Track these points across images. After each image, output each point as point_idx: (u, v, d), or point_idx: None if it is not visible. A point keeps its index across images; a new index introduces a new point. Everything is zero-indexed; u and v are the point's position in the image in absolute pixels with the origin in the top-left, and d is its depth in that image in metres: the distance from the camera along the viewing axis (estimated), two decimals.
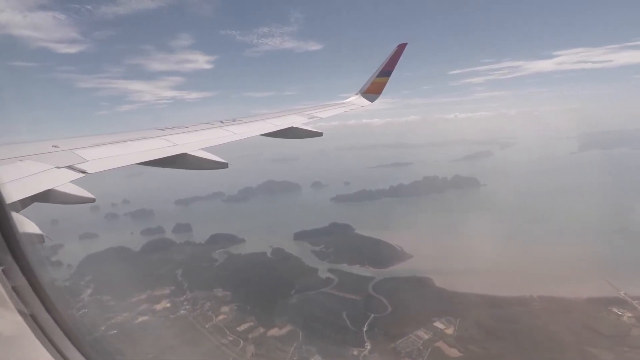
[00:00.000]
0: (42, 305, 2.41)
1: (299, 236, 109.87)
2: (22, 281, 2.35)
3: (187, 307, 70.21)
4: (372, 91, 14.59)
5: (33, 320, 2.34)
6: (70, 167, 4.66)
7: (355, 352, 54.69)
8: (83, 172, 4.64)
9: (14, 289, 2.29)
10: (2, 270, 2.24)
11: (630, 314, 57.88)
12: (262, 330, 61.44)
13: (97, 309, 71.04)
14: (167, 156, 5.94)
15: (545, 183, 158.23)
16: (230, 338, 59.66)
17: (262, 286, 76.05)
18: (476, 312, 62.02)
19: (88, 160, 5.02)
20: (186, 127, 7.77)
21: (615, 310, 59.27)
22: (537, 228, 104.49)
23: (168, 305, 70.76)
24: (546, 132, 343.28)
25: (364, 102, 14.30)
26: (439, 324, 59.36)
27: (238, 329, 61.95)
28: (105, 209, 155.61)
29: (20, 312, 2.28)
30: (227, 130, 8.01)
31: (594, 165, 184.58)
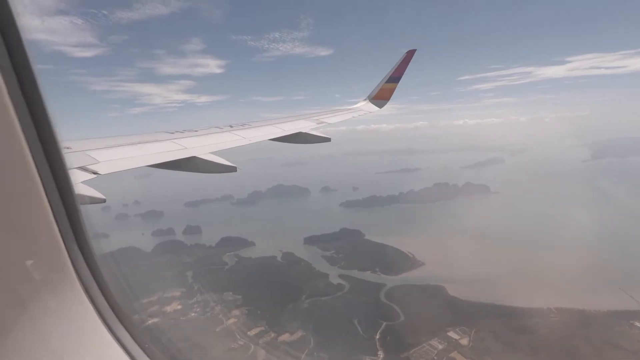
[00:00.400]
0: (104, 298, 2.60)
1: (309, 241, 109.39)
2: (86, 272, 2.54)
3: (198, 309, 69.97)
4: (380, 97, 14.58)
5: (97, 311, 2.53)
6: (82, 168, 4.69)
7: None
8: (95, 173, 4.67)
9: (80, 279, 2.49)
10: (70, 260, 2.41)
11: None
12: (273, 335, 60.89)
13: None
14: (177, 159, 6.02)
15: (558, 191, 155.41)
16: (241, 342, 59.18)
17: (272, 290, 75.64)
18: (491, 322, 60.72)
19: (100, 162, 5.06)
20: (196, 131, 7.83)
21: (637, 324, 57.42)
22: (551, 237, 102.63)
23: (179, 307, 70.61)
24: (557, 139, 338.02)
25: (373, 107, 14.30)
26: (453, 334, 58.15)
27: (249, 333, 61.46)
28: (117, 210, 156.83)
29: (87, 301, 2.49)
30: (236, 135, 8.08)
31: (608, 174, 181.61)
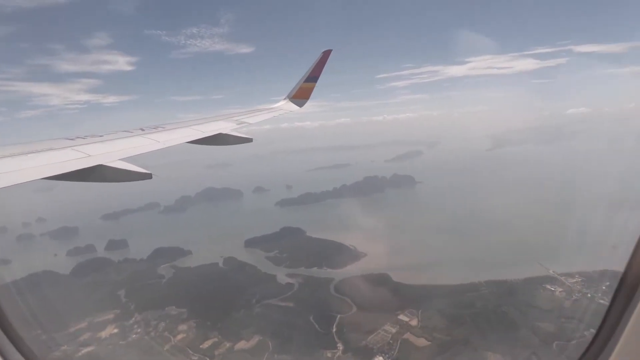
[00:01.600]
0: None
1: (250, 243, 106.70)
2: None
3: (139, 330, 63.89)
4: (300, 96, 14.87)
5: None
6: None
7: (329, 354, 54.62)
8: None
9: None
10: None
11: (560, 289, 66.13)
12: (228, 344, 58.37)
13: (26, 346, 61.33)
14: (80, 169, 5.41)
15: (471, 178, 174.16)
16: (195, 358, 55.80)
17: (220, 298, 72.41)
18: (434, 302, 65.84)
19: None
20: (101, 136, 7.24)
21: (548, 287, 67.26)
22: (472, 219, 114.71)
23: (115, 330, 63.76)
24: (464, 131, 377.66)
25: (293, 106, 14.57)
26: (403, 317, 61.81)
27: (202, 346, 58.16)
28: (16, 230, 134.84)
29: None
30: (149, 139, 7.59)
31: (507, 161, 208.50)
